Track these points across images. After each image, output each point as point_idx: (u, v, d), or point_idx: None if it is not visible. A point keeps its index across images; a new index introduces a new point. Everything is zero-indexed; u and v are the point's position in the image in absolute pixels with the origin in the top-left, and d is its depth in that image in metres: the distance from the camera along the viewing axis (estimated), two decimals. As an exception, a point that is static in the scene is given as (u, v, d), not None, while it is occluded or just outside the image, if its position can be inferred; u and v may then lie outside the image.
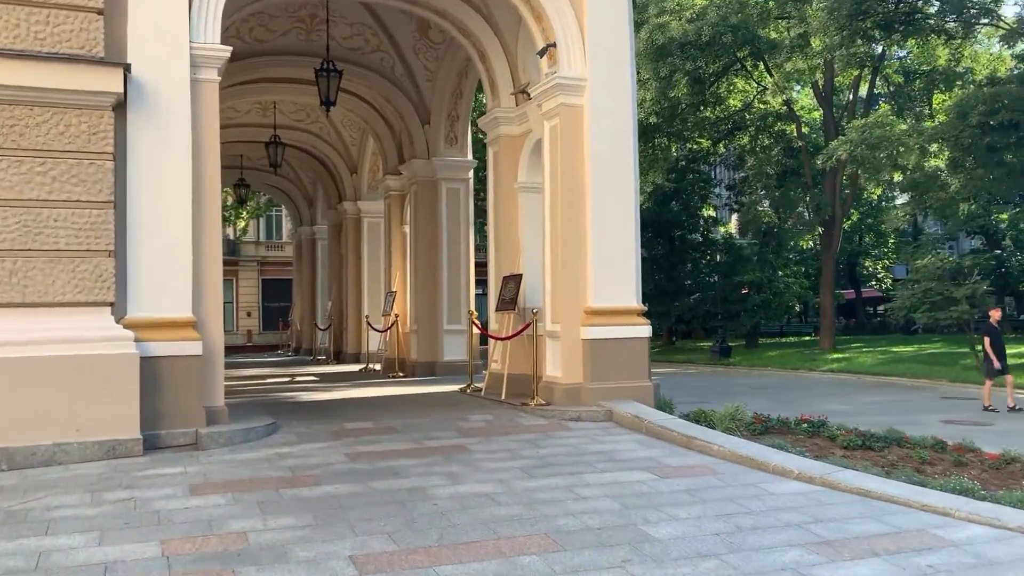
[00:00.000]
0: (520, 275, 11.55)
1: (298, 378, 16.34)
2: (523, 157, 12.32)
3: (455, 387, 13.22)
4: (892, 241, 46.86)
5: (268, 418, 9.38)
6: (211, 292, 8.95)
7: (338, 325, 22.28)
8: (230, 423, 8.88)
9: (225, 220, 39.59)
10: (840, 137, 23.86)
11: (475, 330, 15.95)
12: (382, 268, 20.55)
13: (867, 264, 46.88)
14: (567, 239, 10.45)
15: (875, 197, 41.34)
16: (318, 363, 21.91)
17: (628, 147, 10.76)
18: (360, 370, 17.98)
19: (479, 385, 12.60)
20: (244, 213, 39.24)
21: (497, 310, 11.96)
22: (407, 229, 17.71)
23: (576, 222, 10.48)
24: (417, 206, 16.22)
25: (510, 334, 11.42)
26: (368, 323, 18.10)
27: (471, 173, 16.40)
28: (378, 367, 17.52)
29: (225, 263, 32.74)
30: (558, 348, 10.56)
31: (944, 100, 35.12)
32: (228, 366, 22.49)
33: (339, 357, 21.59)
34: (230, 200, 36.23)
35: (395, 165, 17.70)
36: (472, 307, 16.16)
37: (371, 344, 18.72)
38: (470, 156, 16.45)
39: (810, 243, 32.25)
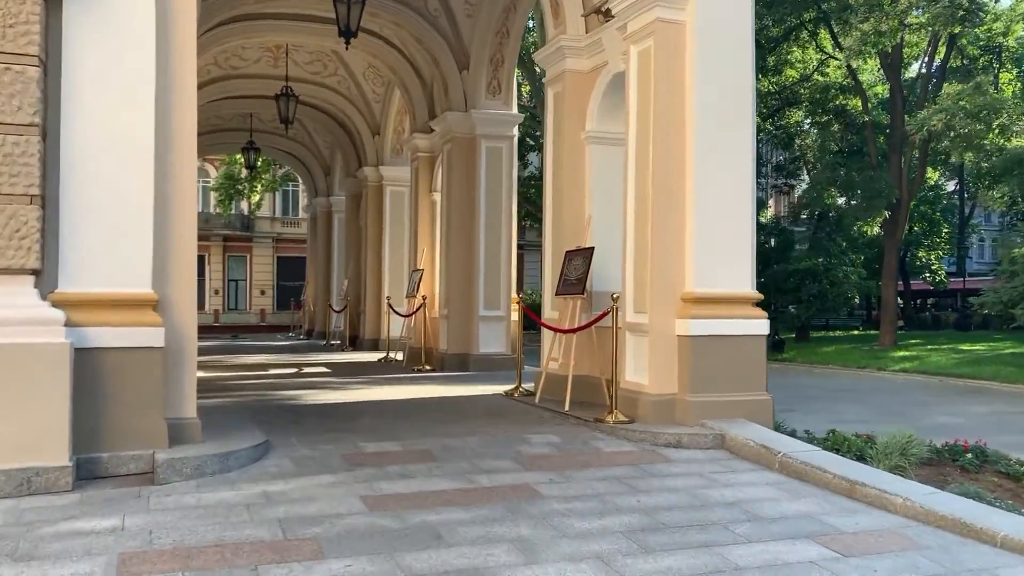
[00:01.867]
0: (590, 250, 8.94)
1: (306, 369, 13.82)
2: (594, 99, 9.69)
3: (497, 388, 10.67)
4: (946, 230, 43.92)
5: (256, 435, 6.84)
6: (181, 261, 6.44)
7: (355, 307, 19.78)
8: (203, 443, 6.36)
9: (238, 193, 37.25)
10: (932, 105, 21.02)
11: (515, 317, 13.39)
12: (406, 243, 17.99)
13: (920, 255, 43.90)
14: (659, 204, 7.85)
15: (932, 181, 38.50)
16: (331, 349, 19.41)
17: (746, 78, 8.13)
18: (379, 360, 15.45)
19: (528, 387, 10.04)
20: (258, 186, 36.83)
21: (558, 294, 9.37)
22: (437, 197, 15.13)
23: (672, 181, 7.88)
24: (451, 169, 13.63)
25: (578, 325, 8.83)
26: (390, 306, 15.59)
27: (516, 129, 13.77)
28: (400, 357, 14.99)
29: (238, 239, 30.43)
30: (643, 346, 7.97)
31: (1010, 78, 32.41)
32: (228, 351, 20.08)
33: (355, 343, 19.09)
34: (242, 171, 33.94)
35: (425, 121, 15.11)
36: (514, 289, 13.59)
37: (392, 330, 16.19)
38: (515, 109, 13.82)
39: (875, 228, 29.41)
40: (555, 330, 9.06)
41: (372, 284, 18.54)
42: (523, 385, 10.08)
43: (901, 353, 24.53)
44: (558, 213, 9.86)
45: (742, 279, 8.06)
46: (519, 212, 13.75)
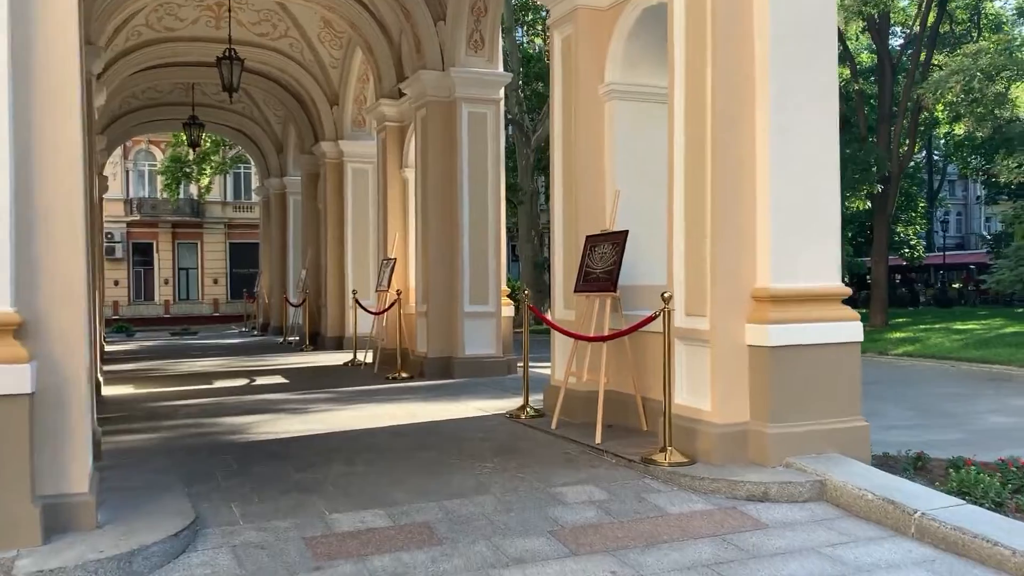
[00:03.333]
0: (622, 234, 6.95)
1: (258, 380, 11.68)
2: (616, 42, 7.68)
3: (495, 404, 8.71)
4: (922, 204, 42.80)
5: (181, 508, 4.78)
6: (63, 271, 4.37)
7: (315, 301, 17.62)
8: (99, 530, 4.32)
9: (186, 177, 34.67)
10: (937, 71, 19.35)
11: (506, 313, 11.41)
12: (372, 228, 15.90)
13: (899, 230, 42.74)
14: (722, 173, 5.92)
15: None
16: (289, 349, 17.25)
17: (829, 14, 6.22)
18: (345, 364, 13.37)
19: (536, 404, 8.08)
20: (207, 169, 34.26)
21: (578, 290, 7.37)
22: (409, 173, 13.05)
23: (739, 143, 5.96)
24: (425, 139, 11.55)
25: (608, 330, 6.86)
26: (356, 302, 13.51)
27: (502, 92, 11.71)
28: (369, 359, 12.94)
29: (188, 225, 27.66)
30: (701, 360, 6.05)
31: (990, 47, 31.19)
32: (170, 353, 17.66)
33: (316, 341, 16.96)
34: (189, 153, 31.41)
35: (393, 86, 12.98)
36: (504, 280, 11.59)
37: (359, 326, 14.11)
38: (500, 67, 11.75)
39: (866, 203, 27.87)
40: (578, 337, 7.07)
41: (334, 275, 16.41)
42: (530, 402, 8.08)
43: (898, 335, 23.01)
44: (570, 188, 7.87)
45: (829, 268, 6.18)
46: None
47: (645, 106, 7.66)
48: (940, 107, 27.09)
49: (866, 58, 31.64)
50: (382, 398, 9.47)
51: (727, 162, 5.94)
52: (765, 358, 5.83)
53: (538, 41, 31.48)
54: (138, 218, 42.55)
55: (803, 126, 6.04)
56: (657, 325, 6.14)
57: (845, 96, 27.80)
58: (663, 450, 5.90)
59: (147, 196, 44.06)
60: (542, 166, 32.11)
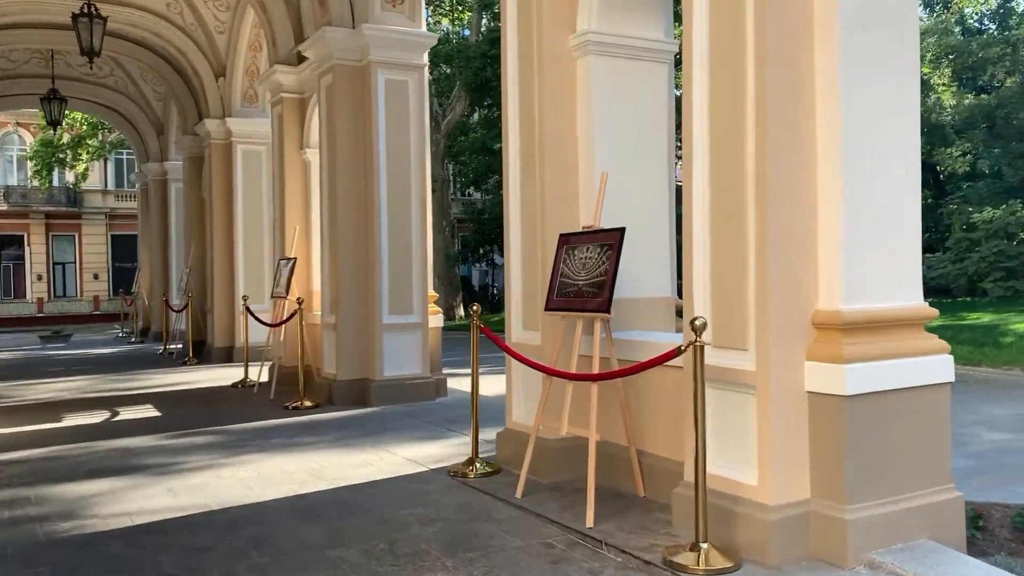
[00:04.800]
0: (618, 233, 5.03)
1: (122, 414, 9.31)
2: (595, -24, 5.80)
3: (428, 450, 6.76)
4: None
5: None
6: None
7: (200, 305, 15.19)
8: None
9: (60, 163, 31.31)
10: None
11: (433, 324, 9.48)
12: (267, 221, 13.64)
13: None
14: (775, 154, 4.13)
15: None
16: (170, 362, 14.77)
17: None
18: (236, 385, 11.12)
19: (487, 451, 6.17)
20: (84, 154, 30.87)
21: (550, 307, 5.43)
22: (312, 155, 10.89)
23: (795, 118, 4.17)
24: (332, 113, 9.44)
25: (598, 366, 4.95)
26: (248, 310, 11.27)
27: (426, 56, 9.68)
28: (265, 377, 10.76)
29: (64, 216, 24.29)
30: (743, 412, 4.27)
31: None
32: (23, 369, 14.54)
33: (201, 352, 14.55)
34: (63, 136, 28.18)
35: (291, 49, 10.79)
36: (431, 284, 9.61)
37: (253, 335, 11.90)
38: (424, 26, 9.70)
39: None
40: (556, 374, 5.13)
41: (222, 276, 14.04)
42: (480, 446, 6.13)
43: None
44: (531, 171, 5.95)
45: (910, 282, 4.46)
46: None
47: (633, 64, 5.82)
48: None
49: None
50: (280, 442, 7.35)
51: (784, 141, 4.14)
52: (838, 411, 4.07)
53: (445, 21, 29.58)
54: (5, 208, 38.59)
55: (879, 98, 4.30)
56: (677, 361, 4.31)
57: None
58: (694, 548, 4.06)
59: (16, 184, 40.07)
60: (453, 152, 30.23)
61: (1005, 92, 18.98)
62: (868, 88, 4.24)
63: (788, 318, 4.17)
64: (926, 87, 24.30)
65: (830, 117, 4.19)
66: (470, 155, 28.80)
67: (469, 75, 26.64)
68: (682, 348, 4.13)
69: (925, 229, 31.66)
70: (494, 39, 26.88)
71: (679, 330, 6.08)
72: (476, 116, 32.70)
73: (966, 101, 19.52)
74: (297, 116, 11.11)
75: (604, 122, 5.78)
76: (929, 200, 21.73)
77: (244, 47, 13.74)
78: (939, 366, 4.37)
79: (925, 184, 29.35)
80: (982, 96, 19.65)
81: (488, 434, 6.54)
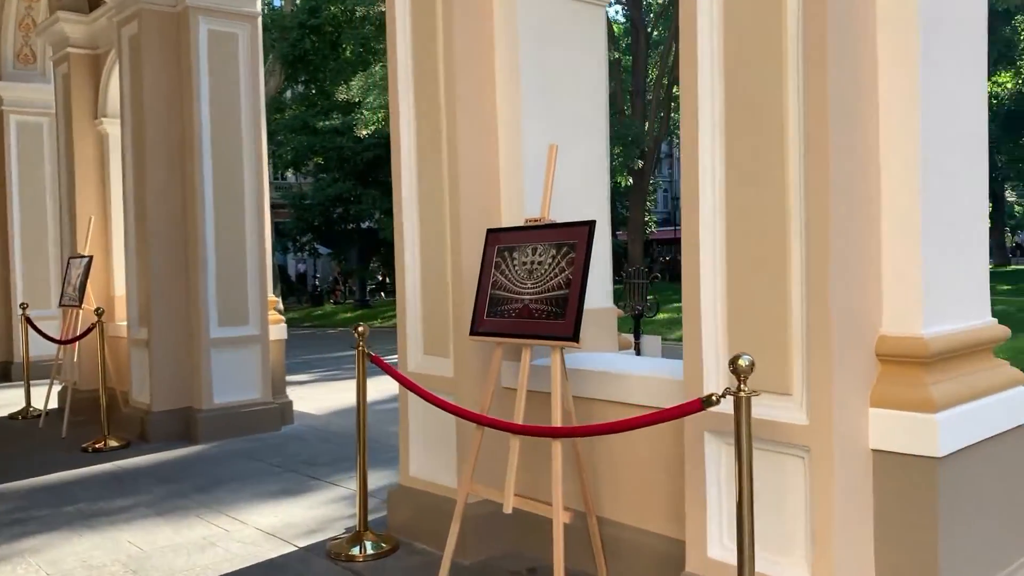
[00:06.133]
0: (585, 228, 3.59)
1: None
2: None
3: (286, 515, 5.12)
4: (652, 180, 43.42)
5: None
6: None
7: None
8: None
9: None
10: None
11: (275, 336, 7.80)
12: (51, 209, 11.22)
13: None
14: (828, 128, 2.88)
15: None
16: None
17: None
18: (16, 416, 8.83)
19: (375, 513, 4.63)
20: None
21: (479, 331, 3.93)
22: (111, 127, 8.75)
23: (855, 88, 2.96)
24: (138, 73, 7.43)
25: (563, 412, 3.54)
26: (28, 321, 8.96)
27: (259, 3, 7.84)
28: (54, 405, 8.55)
29: None
30: (790, 480, 3.03)
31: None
32: None
33: (-31, 369, 11.85)
34: None
35: (79, -7, 8.60)
36: (271, 288, 7.86)
37: (36, 349, 9.61)
38: (258, -35, 7.85)
39: (629, 180, 26.67)
40: (500, 427, 3.66)
41: (-6, 276, 11.44)
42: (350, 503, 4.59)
43: (664, 315, 21.73)
44: (431, 145, 4.44)
45: (981, 298, 3.39)
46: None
47: (567, 4, 4.45)
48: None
49: (618, 29, 30.51)
50: (80, 510, 5.42)
51: (841, 135, 2.91)
52: (925, 477, 2.92)
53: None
54: None
55: (955, 72, 3.20)
56: (650, 398, 2.99)
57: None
58: None
59: None
60: (268, 131, 27.76)
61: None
62: (943, 83, 3.11)
63: (849, 350, 2.96)
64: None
65: (903, 114, 3.02)
66: (288, 134, 26.47)
67: (285, 47, 24.37)
68: (714, 398, 2.80)
69: None
70: (312, 8, 24.71)
71: (624, 347, 4.83)
72: (290, 93, 30.31)
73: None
74: (89, 77, 8.89)
75: (534, 80, 4.37)
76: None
77: (15, -8, 11.15)
78: (1021, 401, 3.34)
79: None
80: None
81: (348, 470, 4.98)
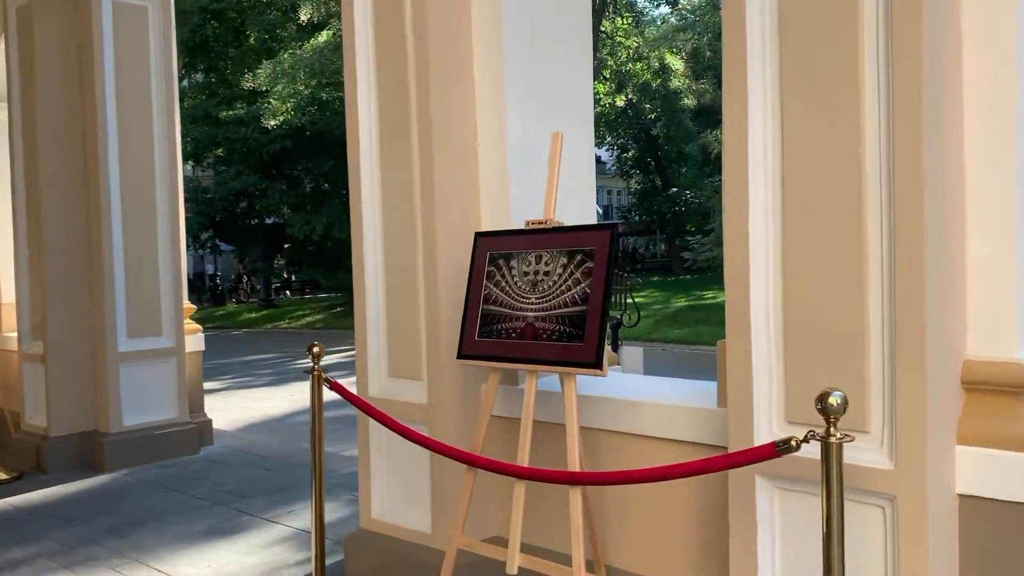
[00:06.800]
0: (609, 231, 3.00)
1: None
2: None
3: (224, 559, 4.39)
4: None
5: None
6: None
7: None
8: None
9: None
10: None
11: (193, 348, 7.02)
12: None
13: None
14: (922, 156, 2.42)
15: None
16: None
17: None
18: None
19: (334, 559, 3.96)
20: None
21: (469, 355, 3.29)
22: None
23: (935, 107, 2.48)
24: (29, 49, 6.49)
25: (576, 463, 2.97)
26: (-103, 331, 7.82)
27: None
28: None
29: None
30: (868, 532, 2.54)
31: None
32: None
33: None
34: None
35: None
36: (186, 294, 7.05)
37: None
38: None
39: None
40: (506, 472, 3.05)
41: None
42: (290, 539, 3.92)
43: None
44: (399, 134, 3.81)
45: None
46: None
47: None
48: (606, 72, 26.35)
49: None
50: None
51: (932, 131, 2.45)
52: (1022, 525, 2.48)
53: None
54: None
55: None
56: (666, 430, 2.49)
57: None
58: None
59: None
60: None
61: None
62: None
63: (936, 379, 2.50)
64: (666, 72, 24.55)
65: (993, 99, 2.57)
66: (189, 124, 25.00)
67: (186, 32, 22.97)
68: (794, 442, 2.28)
69: (694, 210, 32.78)
70: (215, -9, 23.42)
71: (611, 363, 4.29)
72: (187, 82, 28.75)
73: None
74: (-32, 54, 7.82)
75: (519, 55, 3.79)
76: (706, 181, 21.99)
77: None
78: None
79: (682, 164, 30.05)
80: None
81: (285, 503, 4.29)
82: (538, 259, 3.11)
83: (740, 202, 2.74)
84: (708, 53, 18.08)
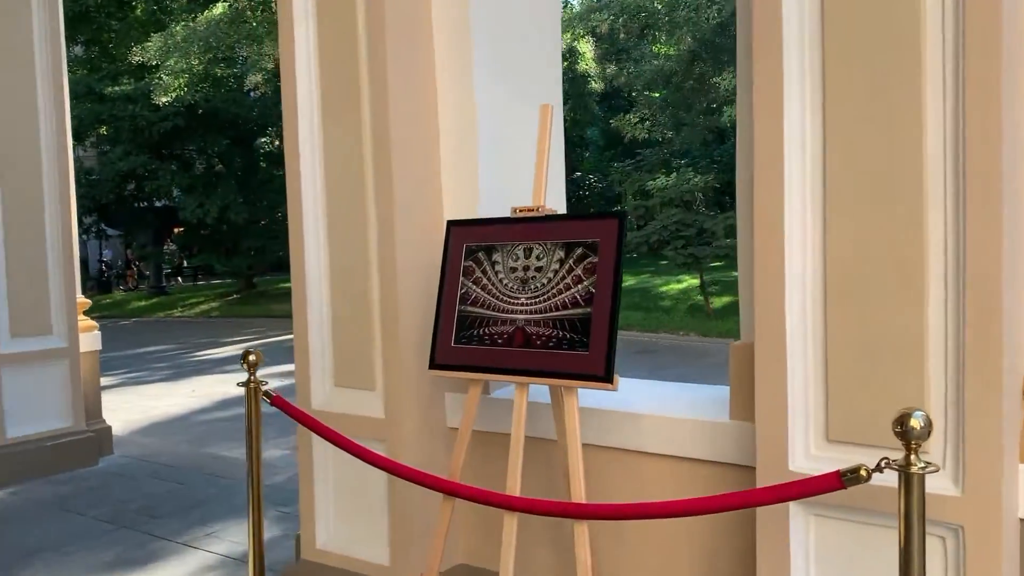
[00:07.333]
0: (616, 220, 2.58)
1: None
2: None
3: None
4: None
5: None
6: None
7: None
8: None
9: None
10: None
11: (87, 348, 6.28)
12: None
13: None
14: (1001, 139, 2.08)
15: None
16: None
17: None
18: None
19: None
20: None
21: (444, 364, 2.80)
22: None
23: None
24: None
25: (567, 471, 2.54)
26: None
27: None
28: None
29: None
30: (933, 562, 2.20)
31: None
32: None
33: None
34: None
35: None
36: (79, 289, 6.28)
37: None
38: None
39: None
40: (497, 504, 2.59)
41: None
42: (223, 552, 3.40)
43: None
44: (345, 102, 3.29)
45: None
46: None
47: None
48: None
49: None
50: None
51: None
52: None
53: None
54: None
55: None
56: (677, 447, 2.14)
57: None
58: None
59: None
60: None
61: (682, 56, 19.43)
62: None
63: (1010, 395, 2.19)
64: (574, 55, 24.32)
65: None
66: (71, 100, 23.32)
67: (66, 1, 21.30)
68: (864, 471, 1.92)
69: (598, 194, 32.55)
70: (98, -43, 21.84)
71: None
72: (66, 54, 26.86)
73: (640, 68, 19.57)
74: None
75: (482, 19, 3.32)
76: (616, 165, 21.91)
77: None
78: None
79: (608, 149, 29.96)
80: (655, 62, 19.95)
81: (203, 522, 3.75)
82: (527, 252, 2.66)
83: (774, 189, 2.36)
84: (622, 35, 17.91)
